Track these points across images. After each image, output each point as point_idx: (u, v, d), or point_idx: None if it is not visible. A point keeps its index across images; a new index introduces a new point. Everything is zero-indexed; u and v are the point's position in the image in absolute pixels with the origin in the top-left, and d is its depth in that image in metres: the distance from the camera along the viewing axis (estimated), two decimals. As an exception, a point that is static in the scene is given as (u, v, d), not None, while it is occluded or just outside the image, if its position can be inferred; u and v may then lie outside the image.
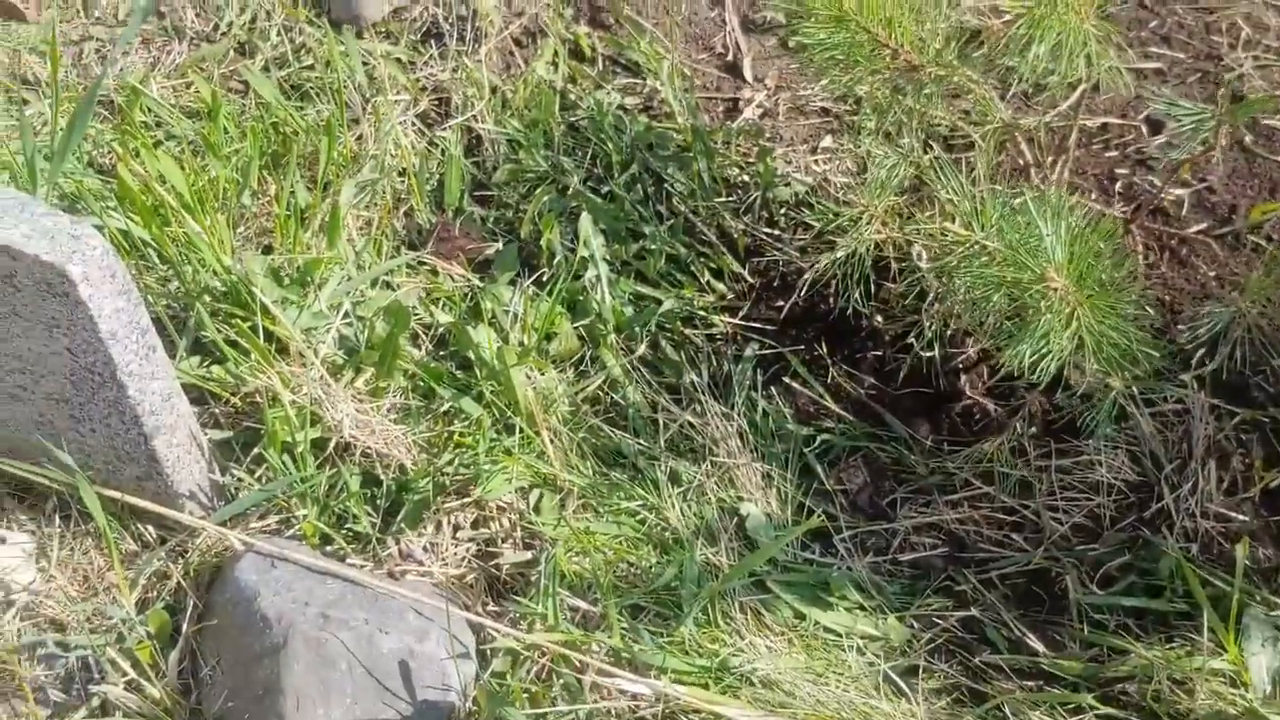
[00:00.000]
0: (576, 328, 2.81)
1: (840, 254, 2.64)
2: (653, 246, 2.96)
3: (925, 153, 2.71)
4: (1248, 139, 3.24)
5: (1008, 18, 3.40)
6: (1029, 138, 2.77)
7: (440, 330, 2.79)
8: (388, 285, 2.91)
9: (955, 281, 2.35)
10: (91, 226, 1.94)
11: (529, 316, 2.78)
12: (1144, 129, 3.28)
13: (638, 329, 2.84)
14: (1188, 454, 2.68)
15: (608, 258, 2.90)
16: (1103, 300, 2.19)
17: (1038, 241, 2.20)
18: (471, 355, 2.71)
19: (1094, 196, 3.15)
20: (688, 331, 2.92)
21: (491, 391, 2.66)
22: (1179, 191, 3.13)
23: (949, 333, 2.77)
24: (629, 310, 2.86)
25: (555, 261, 2.90)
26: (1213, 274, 3.01)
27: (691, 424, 2.72)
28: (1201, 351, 2.73)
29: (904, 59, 2.55)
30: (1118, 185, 3.17)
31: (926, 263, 2.42)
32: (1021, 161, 2.84)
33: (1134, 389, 2.53)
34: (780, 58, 3.38)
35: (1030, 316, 2.23)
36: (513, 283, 2.89)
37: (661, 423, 2.73)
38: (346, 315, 2.76)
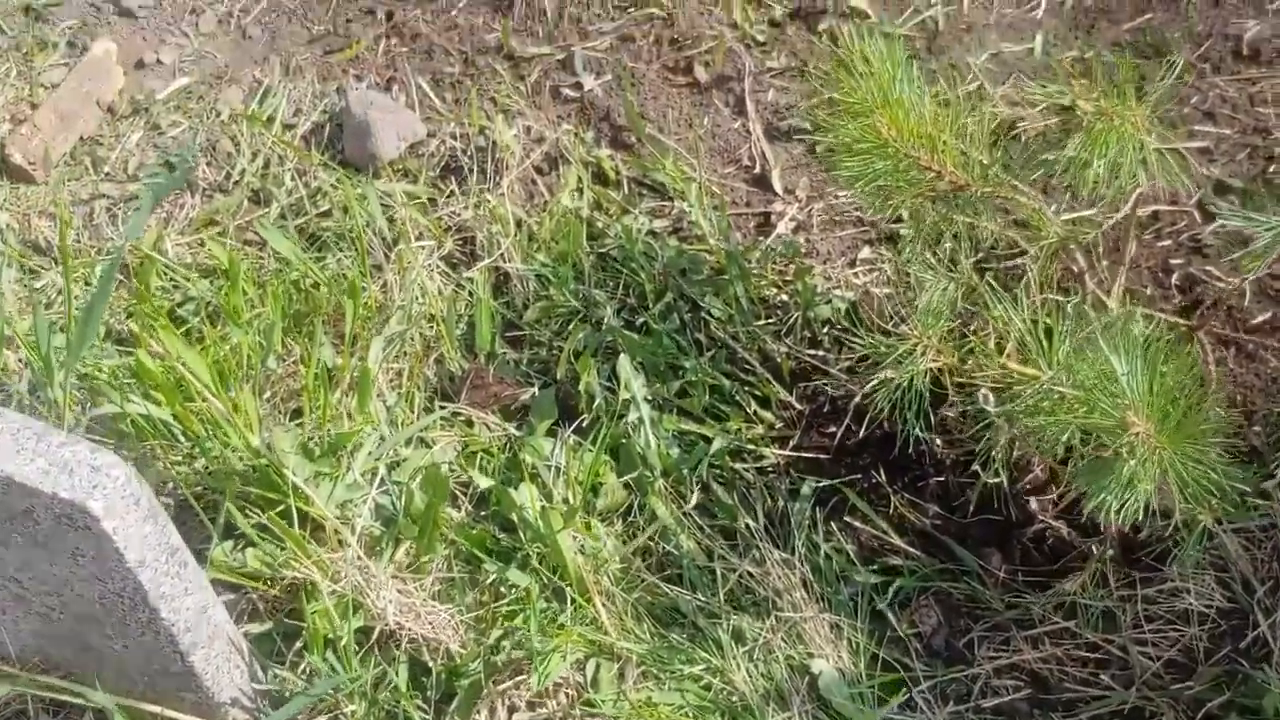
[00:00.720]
0: (622, 478, 2.68)
1: (892, 384, 2.50)
2: (694, 378, 2.84)
3: (974, 269, 2.58)
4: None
5: (1043, 106, 3.30)
6: (1084, 247, 2.64)
7: (480, 488, 2.67)
8: (423, 442, 2.80)
9: (1024, 423, 2.21)
10: (113, 454, 1.83)
11: (572, 470, 2.66)
12: (1196, 215, 3.15)
13: (686, 472, 2.72)
14: (1281, 574, 2.53)
15: (649, 397, 2.78)
16: (1187, 440, 2.06)
17: (1112, 380, 2.07)
18: (515, 517, 2.59)
19: (1149, 292, 3.01)
20: (738, 467, 2.79)
21: (538, 555, 2.54)
22: (1239, 280, 2.99)
23: (1015, 456, 2.64)
24: (675, 451, 2.73)
25: (595, 405, 2.78)
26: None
27: (751, 574, 2.59)
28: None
29: (949, 179, 2.44)
30: (1174, 278, 3.04)
31: (994, 405, 2.29)
32: (1075, 268, 2.71)
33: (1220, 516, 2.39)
34: (809, 165, 3.28)
35: (1110, 460, 2.09)
36: (552, 431, 2.78)
37: (719, 573, 2.60)
38: (382, 482, 2.65)
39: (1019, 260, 2.97)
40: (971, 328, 2.79)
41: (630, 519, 2.70)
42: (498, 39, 3.52)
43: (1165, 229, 3.13)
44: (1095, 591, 2.55)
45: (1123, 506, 2.07)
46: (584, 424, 2.79)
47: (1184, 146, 3.24)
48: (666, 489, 2.70)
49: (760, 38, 3.49)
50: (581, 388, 2.79)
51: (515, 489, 2.61)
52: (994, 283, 2.54)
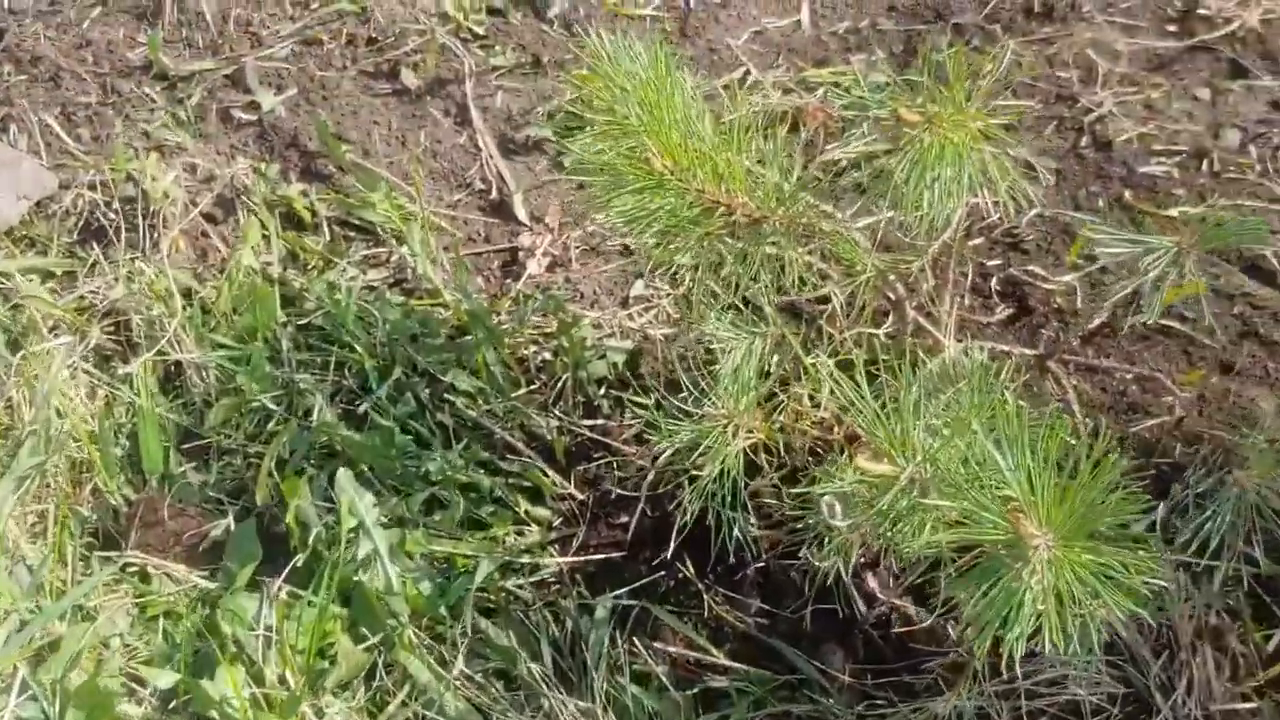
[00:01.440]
0: (360, 633, 2.04)
1: (704, 479, 1.95)
2: (441, 480, 2.22)
3: (780, 313, 2.06)
4: (1128, 194, 2.73)
5: (821, 93, 2.81)
6: (904, 280, 2.16)
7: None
8: (83, 613, 2.08)
9: (884, 537, 1.70)
10: None
11: (289, 634, 2.00)
12: (1008, 205, 2.72)
13: (444, 610, 2.10)
14: (1174, 641, 2.12)
15: (383, 517, 2.14)
16: (1089, 535, 1.58)
17: (990, 474, 1.57)
18: (215, 715, 1.91)
19: (969, 302, 2.57)
20: (510, 587, 2.20)
21: (254, 762, 1.88)
22: (1068, 278, 2.59)
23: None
24: (426, 585, 2.11)
25: (312, 536, 2.12)
26: (1130, 376, 2.47)
27: (541, 735, 2.00)
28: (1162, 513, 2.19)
29: (742, 212, 1.89)
30: (994, 283, 2.61)
31: (841, 516, 1.75)
32: (892, 296, 2.23)
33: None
34: (558, 183, 2.68)
35: (994, 569, 1.59)
36: (255, 584, 2.10)
37: (501, 741, 2.00)
38: (25, 686, 1.92)
39: (824, 290, 2.47)
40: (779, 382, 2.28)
41: (376, 684, 2.06)
42: (145, 55, 2.77)
43: (975, 225, 2.69)
44: (965, 684, 2.07)
45: (1021, 633, 1.57)
46: (300, 564, 2.12)
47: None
48: (419, 637, 2.07)
49: (479, 30, 2.86)
50: (290, 515, 2.12)
51: (210, 678, 1.92)
52: (803, 326, 2.02)
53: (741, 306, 2.19)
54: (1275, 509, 2.06)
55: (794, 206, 1.92)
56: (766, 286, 2.06)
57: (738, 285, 2.04)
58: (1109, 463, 1.54)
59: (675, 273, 2.54)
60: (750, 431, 1.95)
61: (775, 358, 2.05)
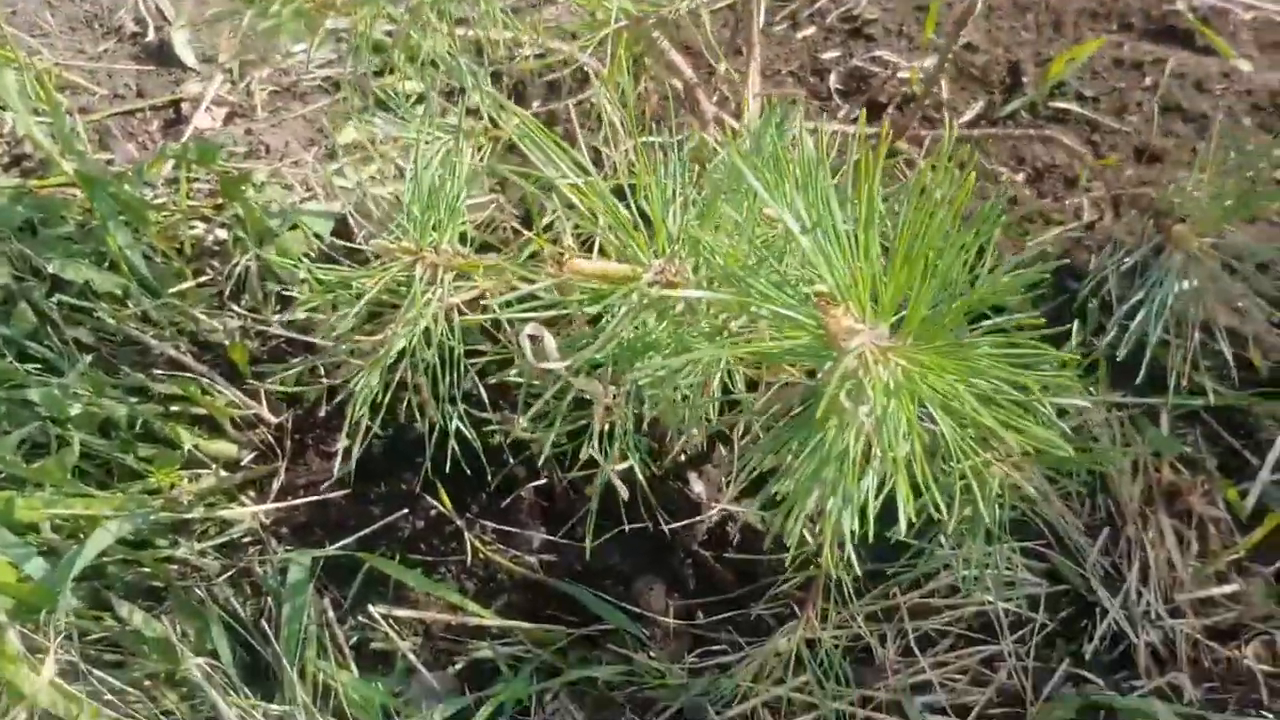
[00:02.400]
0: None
1: (391, 347, 1.31)
2: (54, 410, 1.55)
3: (495, 107, 1.43)
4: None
5: None
6: (679, 41, 1.52)
7: None
8: None
9: (631, 377, 1.06)
10: None
11: None
12: (844, -19, 2.10)
13: (57, 592, 1.43)
14: (1115, 513, 1.52)
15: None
16: (952, 340, 0.96)
17: (785, 248, 0.95)
18: None
19: (802, 109, 1.95)
20: (183, 555, 1.54)
21: None
22: (928, 63, 1.98)
23: (645, 420, 1.48)
24: (35, 566, 1.44)
25: None
26: (1021, 177, 1.87)
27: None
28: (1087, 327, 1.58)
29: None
30: (832, 79, 2.00)
31: (557, 355, 1.10)
32: (679, 83, 1.59)
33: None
34: (240, 15, 2.00)
35: (809, 419, 0.97)
36: None
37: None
38: None
39: (587, 94, 1.82)
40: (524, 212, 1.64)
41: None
42: None
43: (803, 11, 2.08)
44: (830, 616, 1.46)
45: (861, 503, 0.95)
46: None
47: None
48: (31, 640, 1.41)
49: None
50: None
51: None
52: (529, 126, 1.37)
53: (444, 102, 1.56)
54: (1214, 309, 1.46)
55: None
56: (464, 61, 1.42)
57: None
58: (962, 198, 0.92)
59: (403, 104, 1.88)
60: (461, 279, 1.30)
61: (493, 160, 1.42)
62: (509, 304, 1.14)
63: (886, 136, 1.67)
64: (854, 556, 1.03)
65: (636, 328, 1.03)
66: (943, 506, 0.94)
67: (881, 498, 0.96)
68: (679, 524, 1.60)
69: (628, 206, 1.08)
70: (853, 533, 0.96)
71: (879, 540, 0.94)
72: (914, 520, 0.92)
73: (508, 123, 1.57)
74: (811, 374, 1.12)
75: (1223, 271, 1.22)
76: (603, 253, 1.12)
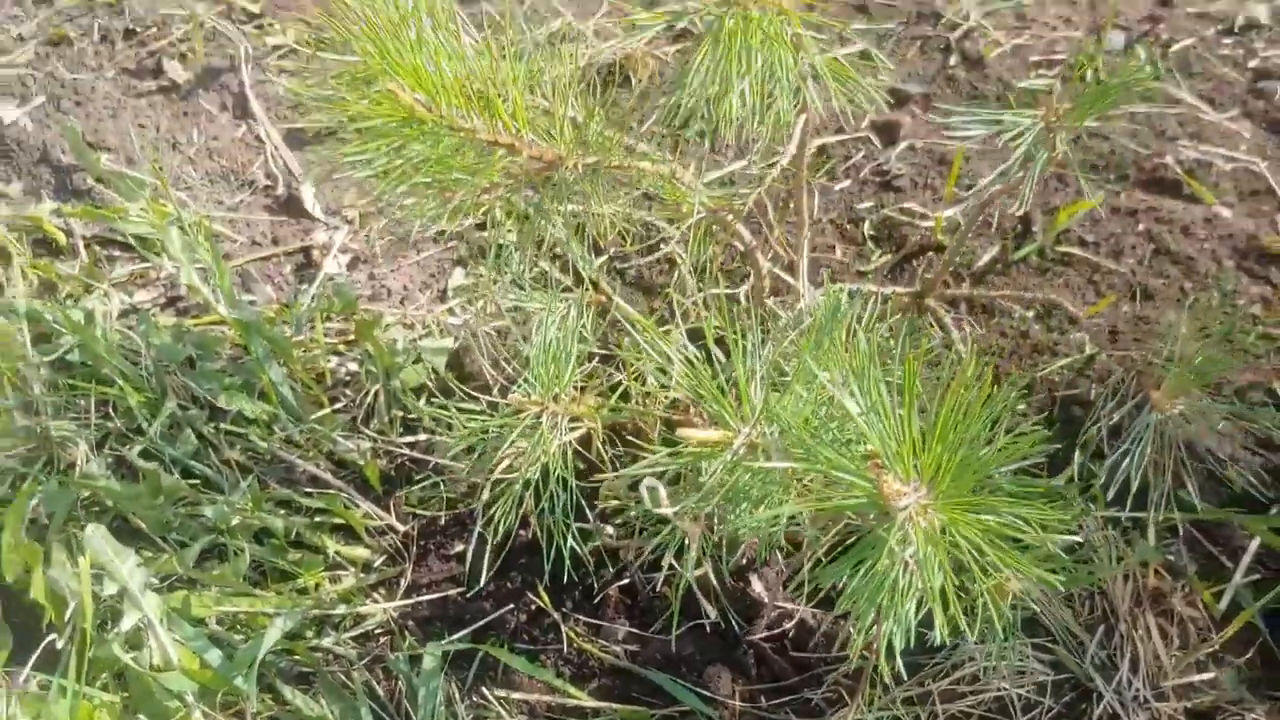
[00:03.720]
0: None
1: (519, 480, 1.63)
2: (222, 523, 1.88)
3: (605, 273, 1.77)
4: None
5: (650, 36, 2.52)
6: (743, 215, 1.86)
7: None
8: None
9: (728, 525, 1.39)
10: None
11: (40, 736, 1.65)
12: (874, 139, 2.45)
13: (240, 681, 1.75)
14: (1109, 612, 1.84)
15: (155, 577, 1.80)
16: (977, 490, 1.29)
17: (842, 426, 1.28)
18: None
19: (840, 255, 2.29)
20: (327, 645, 1.86)
21: None
22: (949, 213, 2.32)
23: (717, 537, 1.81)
24: (213, 656, 1.77)
25: (70, 613, 1.77)
26: (1031, 314, 2.20)
27: (367, 824, 1.67)
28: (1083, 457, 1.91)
29: (528, 154, 1.59)
30: (866, 227, 2.34)
31: (668, 504, 1.44)
32: (741, 245, 1.94)
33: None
34: (357, 169, 2.35)
35: (870, 542, 1.30)
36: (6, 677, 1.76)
37: (317, 836, 1.66)
38: None
39: (664, 249, 2.17)
40: (618, 361, 1.97)
41: (163, 783, 1.71)
42: None
43: (840, 166, 2.42)
44: (873, 700, 1.77)
45: (907, 625, 1.28)
46: (59, 648, 1.77)
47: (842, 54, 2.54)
48: (210, 719, 1.73)
49: (253, 7, 2.55)
50: (37, 589, 1.77)
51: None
52: (634, 287, 1.72)
53: (559, 272, 1.90)
54: (1196, 435, 1.79)
55: (594, 143, 1.62)
56: (576, 245, 1.77)
57: (549, 246, 1.75)
58: (988, 388, 1.25)
59: (499, 258, 2.23)
60: (575, 421, 1.64)
61: (597, 325, 1.76)
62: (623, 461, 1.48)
63: (912, 298, 2.01)
64: (897, 657, 1.35)
65: (731, 482, 1.36)
66: (967, 626, 1.27)
67: (920, 615, 1.28)
68: (741, 620, 1.92)
69: (703, 352, 1.42)
70: (901, 644, 1.29)
71: (915, 641, 1.26)
72: (945, 640, 1.24)
73: (603, 283, 1.91)
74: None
75: (1189, 424, 1.54)
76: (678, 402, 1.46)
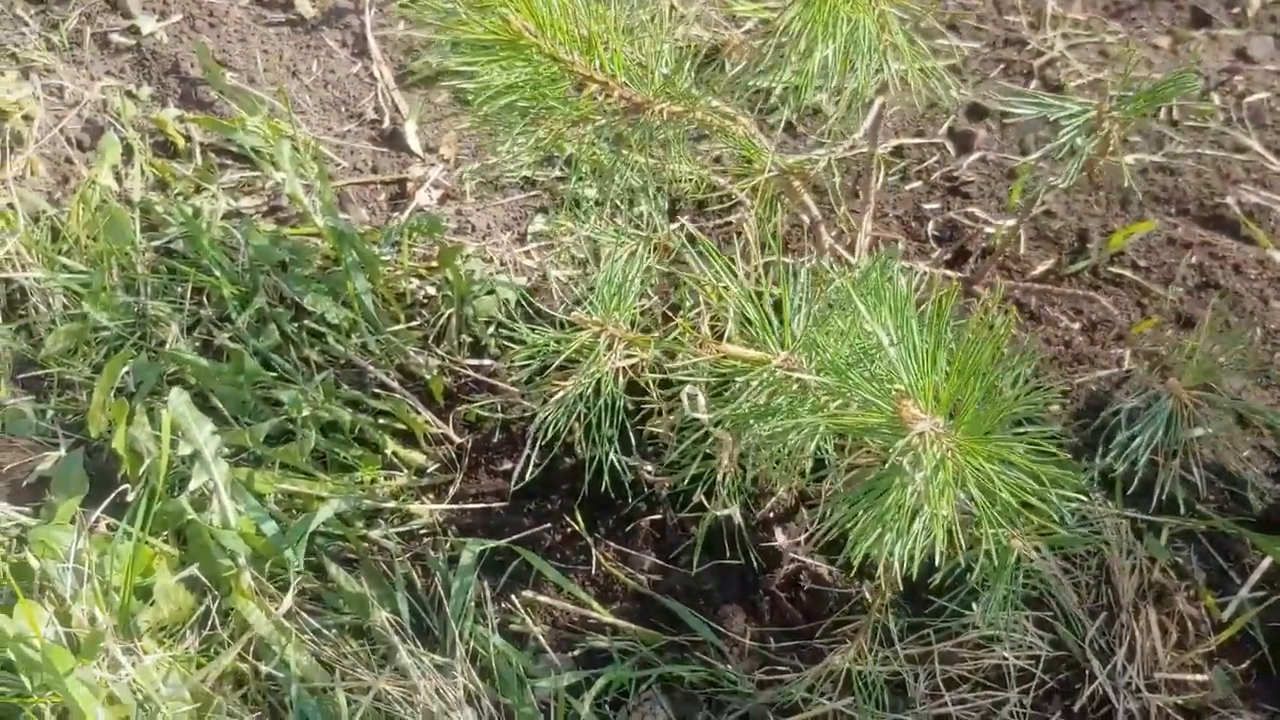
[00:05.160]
0: (186, 573, 1.83)
1: (573, 391, 1.75)
2: (296, 415, 2.02)
3: (671, 226, 1.88)
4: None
5: (749, 25, 2.64)
6: (811, 184, 1.97)
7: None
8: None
9: (754, 431, 1.50)
10: None
11: (106, 569, 1.79)
12: (950, 147, 2.55)
13: (290, 553, 1.89)
14: (1113, 601, 1.91)
15: (226, 449, 1.94)
16: (991, 434, 1.38)
17: (874, 355, 1.38)
18: (13, 654, 1.70)
19: (903, 246, 2.39)
20: (374, 536, 1.98)
21: (54, 710, 1.66)
22: (1010, 222, 2.40)
23: (750, 477, 1.92)
24: (269, 526, 1.90)
25: (144, 469, 1.92)
26: (1077, 326, 2.28)
27: (390, 693, 1.78)
28: (1107, 453, 1.98)
29: (620, 94, 1.71)
30: (930, 226, 2.43)
31: (705, 409, 1.55)
32: (807, 218, 2.04)
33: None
34: (457, 115, 2.51)
35: (884, 475, 1.40)
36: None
37: (343, 700, 1.78)
38: None
39: (732, 217, 2.29)
40: (674, 303, 2.09)
41: (208, 632, 1.84)
42: (18, -26, 2.61)
43: (913, 168, 2.52)
44: (876, 653, 1.86)
45: (910, 546, 1.37)
46: (130, 498, 1.92)
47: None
48: (260, 584, 1.86)
49: (383, -44, 2.71)
50: (119, 441, 1.92)
51: (9, 614, 1.71)
52: (701, 242, 1.83)
53: (634, 226, 2.02)
54: (1207, 424, 1.86)
55: (679, 93, 1.74)
56: (652, 191, 1.89)
57: (626, 199, 1.87)
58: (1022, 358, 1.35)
59: (577, 207, 2.36)
60: (629, 347, 1.75)
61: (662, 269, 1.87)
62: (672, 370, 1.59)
63: (961, 282, 2.11)
64: (901, 606, 1.44)
65: (767, 399, 1.46)
66: (971, 564, 1.36)
67: (924, 548, 1.38)
68: (762, 566, 2.02)
69: (758, 308, 1.53)
70: (903, 562, 1.38)
71: (922, 602, 1.35)
72: (948, 565, 1.33)
73: (671, 233, 2.03)
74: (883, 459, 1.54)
75: (1203, 416, 1.62)
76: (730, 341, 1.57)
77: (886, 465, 1.38)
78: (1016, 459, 1.40)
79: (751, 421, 1.46)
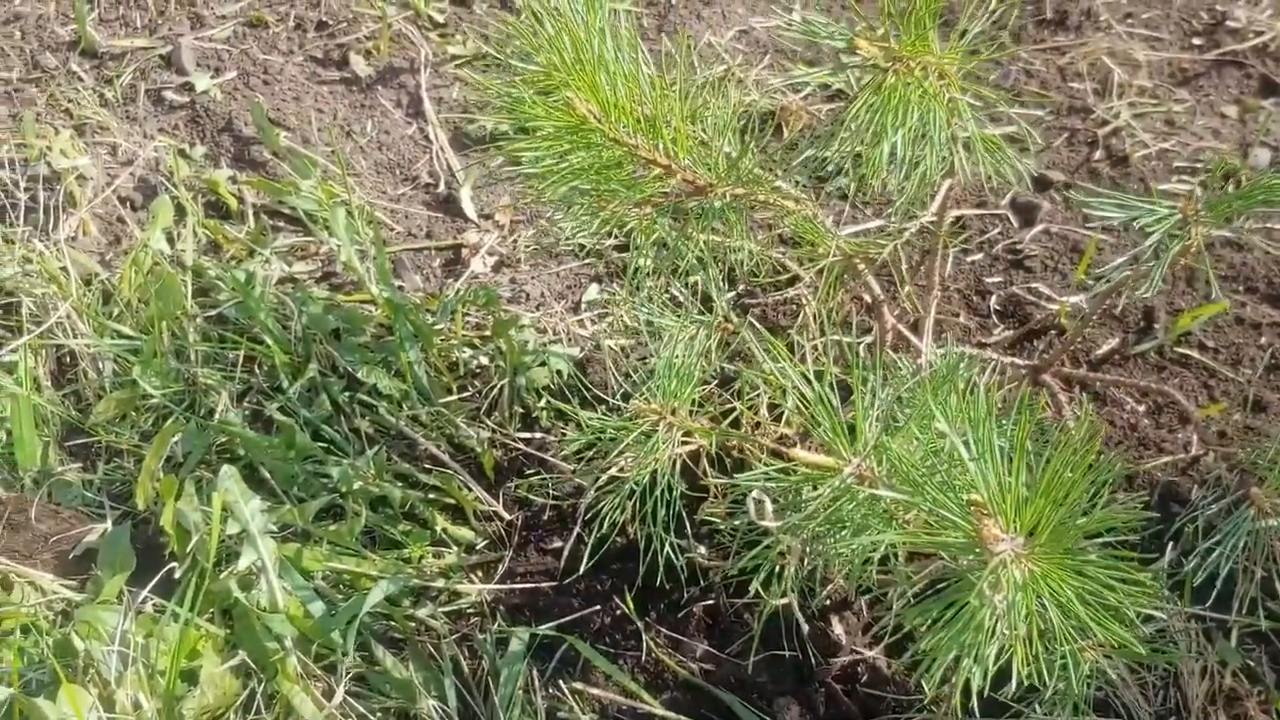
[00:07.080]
0: (234, 657, 1.79)
1: (627, 483, 1.70)
2: (346, 490, 1.98)
3: (732, 307, 1.83)
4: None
5: (807, 92, 2.60)
6: (875, 267, 1.92)
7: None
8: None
9: (825, 544, 1.44)
10: None
11: (150, 651, 1.75)
12: (1012, 218, 2.49)
13: (337, 635, 1.84)
14: (1180, 706, 1.84)
15: (274, 526, 1.90)
16: (1069, 550, 1.32)
17: (952, 468, 1.32)
18: (54, 742, 1.66)
19: (963, 320, 2.33)
20: (421, 616, 1.94)
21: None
22: (1076, 299, 2.34)
23: (808, 567, 1.86)
24: (317, 607, 1.86)
25: (191, 545, 1.88)
26: (1143, 409, 2.21)
27: (437, 788, 1.73)
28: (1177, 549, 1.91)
29: (682, 177, 1.67)
30: (992, 301, 2.37)
31: (772, 517, 1.50)
32: (868, 298, 1.99)
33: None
34: (513, 180, 2.47)
35: (957, 589, 1.34)
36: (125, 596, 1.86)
37: (389, 791, 1.74)
38: None
39: (791, 292, 2.24)
40: (734, 389, 2.03)
41: (254, 717, 1.80)
42: (74, 31, 2.60)
43: (975, 239, 2.46)
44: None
45: (986, 668, 1.31)
46: (177, 577, 1.88)
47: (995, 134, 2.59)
48: (306, 666, 1.82)
49: (439, 17, 2.69)
50: (166, 518, 1.89)
51: (53, 697, 1.68)
52: (759, 324, 1.78)
53: (689, 299, 1.97)
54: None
55: (744, 176, 1.69)
56: (713, 272, 1.84)
57: (681, 270, 1.82)
58: (1090, 453, 1.29)
59: (635, 277, 2.31)
60: (688, 435, 1.70)
61: (720, 352, 1.82)
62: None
63: (1030, 370, 2.04)
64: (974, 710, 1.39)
65: (835, 508, 1.41)
66: (1045, 676, 1.30)
67: (999, 664, 1.32)
68: (818, 657, 1.95)
69: (828, 412, 1.47)
70: (978, 687, 1.32)
71: (990, 702, 1.29)
72: (1024, 680, 1.27)
73: (731, 314, 1.98)
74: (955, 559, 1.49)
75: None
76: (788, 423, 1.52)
77: (958, 579, 1.32)
78: (1092, 572, 1.35)
79: (821, 530, 1.41)
